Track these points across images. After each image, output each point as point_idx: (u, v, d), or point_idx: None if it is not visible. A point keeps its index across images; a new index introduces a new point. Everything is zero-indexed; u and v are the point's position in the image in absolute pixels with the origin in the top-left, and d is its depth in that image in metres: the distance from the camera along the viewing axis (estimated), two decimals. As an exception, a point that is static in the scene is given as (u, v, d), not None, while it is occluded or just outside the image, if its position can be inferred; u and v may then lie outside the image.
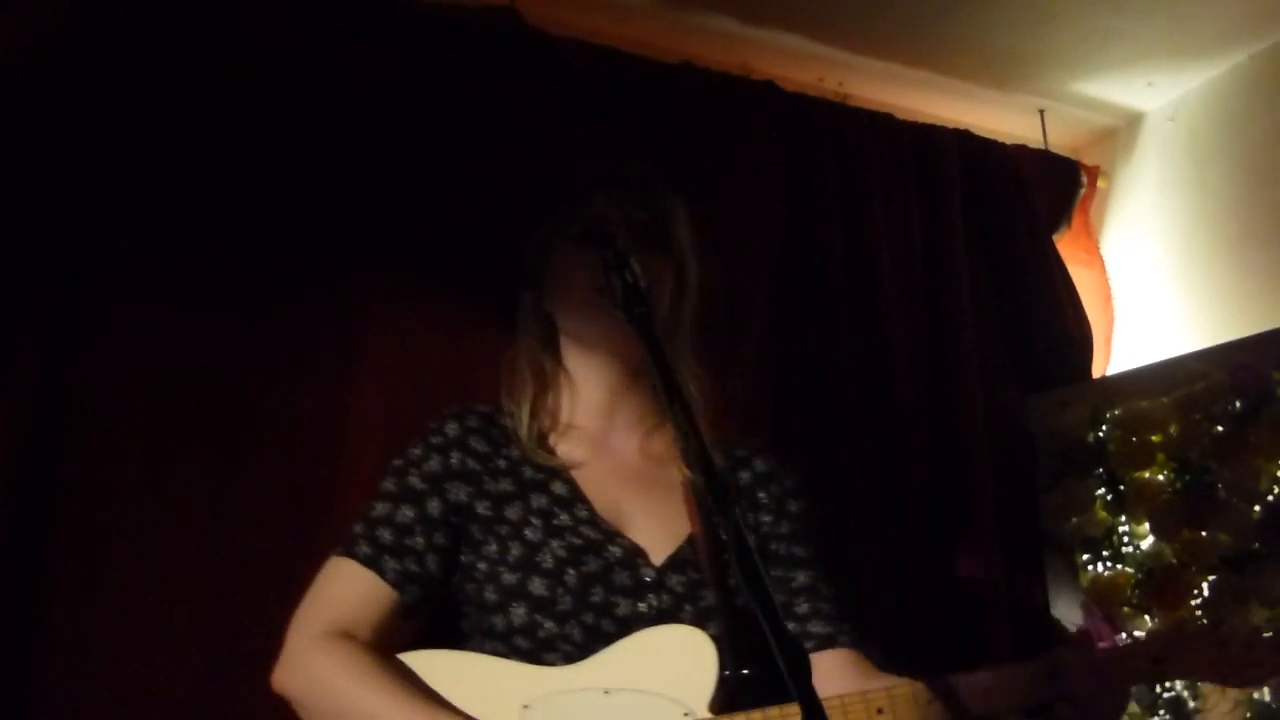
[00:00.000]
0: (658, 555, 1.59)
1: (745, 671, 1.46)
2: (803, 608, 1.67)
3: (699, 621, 1.52)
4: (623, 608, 1.53)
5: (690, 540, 1.62)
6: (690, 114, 2.65)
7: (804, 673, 1.10)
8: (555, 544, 1.55)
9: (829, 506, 2.57)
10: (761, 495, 1.79)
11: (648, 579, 1.56)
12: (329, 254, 2.18)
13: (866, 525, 2.62)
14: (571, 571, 1.53)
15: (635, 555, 1.58)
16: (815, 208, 2.78)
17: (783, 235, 2.73)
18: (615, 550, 1.57)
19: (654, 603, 1.54)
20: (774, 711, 1.40)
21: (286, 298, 2.13)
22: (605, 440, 1.74)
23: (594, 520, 1.60)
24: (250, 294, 2.10)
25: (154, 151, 2.06)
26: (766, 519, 1.77)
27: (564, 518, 1.60)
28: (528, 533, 1.57)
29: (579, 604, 1.51)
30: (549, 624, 1.51)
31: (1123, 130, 3.39)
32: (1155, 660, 1.45)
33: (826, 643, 1.64)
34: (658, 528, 1.63)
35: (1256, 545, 2.33)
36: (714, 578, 1.55)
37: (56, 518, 1.87)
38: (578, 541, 1.56)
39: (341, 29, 2.27)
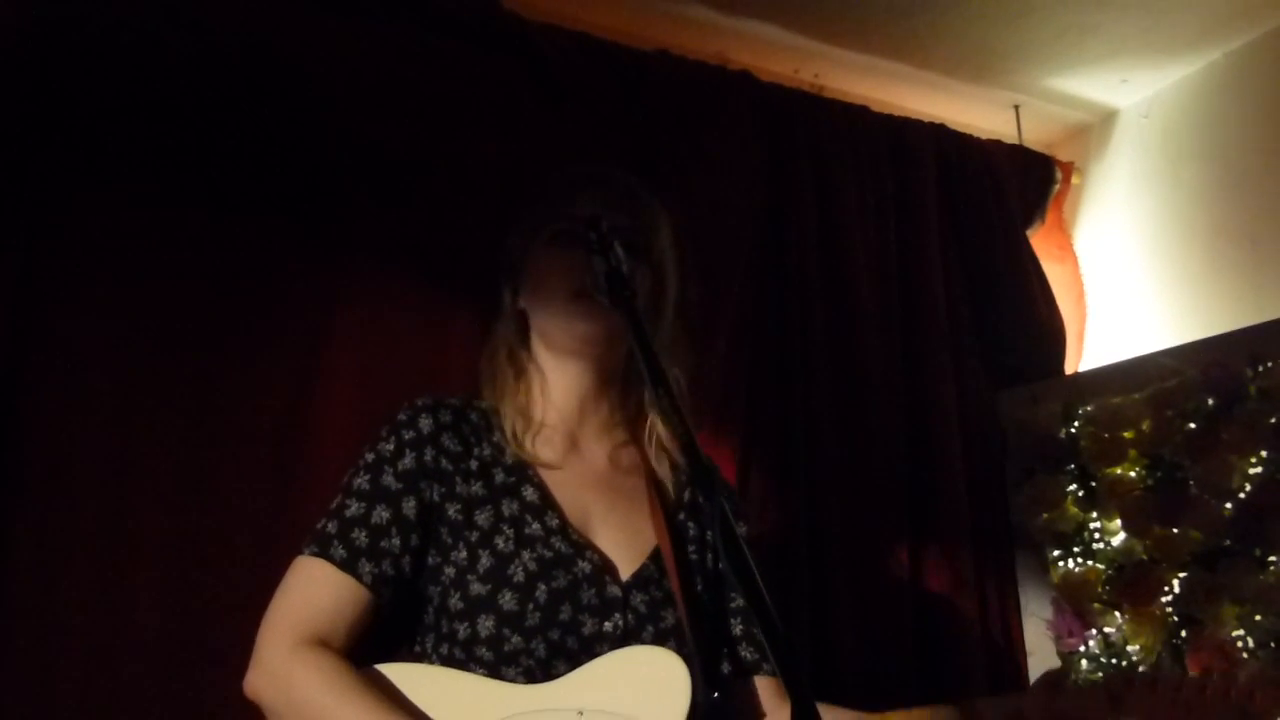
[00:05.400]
0: (624, 570, 1.58)
1: (715, 695, 1.47)
2: (736, 630, 1.67)
3: (659, 642, 1.53)
4: (588, 626, 1.51)
5: (654, 556, 1.61)
6: (665, 102, 2.63)
7: (795, 663, 1.10)
8: (526, 555, 1.53)
9: (800, 500, 2.56)
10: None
11: (614, 596, 1.55)
12: (300, 237, 2.15)
13: (838, 518, 2.61)
14: (542, 586, 1.50)
15: (603, 572, 1.56)
16: (789, 198, 2.77)
17: (757, 225, 2.72)
18: (584, 565, 1.55)
19: (618, 622, 1.53)
20: None
21: (256, 281, 2.11)
22: (576, 442, 1.72)
23: (564, 530, 1.58)
24: (220, 277, 2.07)
25: (121, 131, 2.03)
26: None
27: (535, 527, 1.57)
28: (499, 541, 1.54)
29: (547, 620, 1.49)
30: (516, 638, 1.48)
31: (1097, 127, 3.40)
32: (1113, 699, 1.42)
33: (752, 668, 1.66)
34: (624, 540, 1.62)
35: (1228, 542, 2.35)
36: (684, 593, 1.54)
37: (17, 501, 1.84)
38: (548, 554, 1.54)
39: (315, 9, 2.25)
